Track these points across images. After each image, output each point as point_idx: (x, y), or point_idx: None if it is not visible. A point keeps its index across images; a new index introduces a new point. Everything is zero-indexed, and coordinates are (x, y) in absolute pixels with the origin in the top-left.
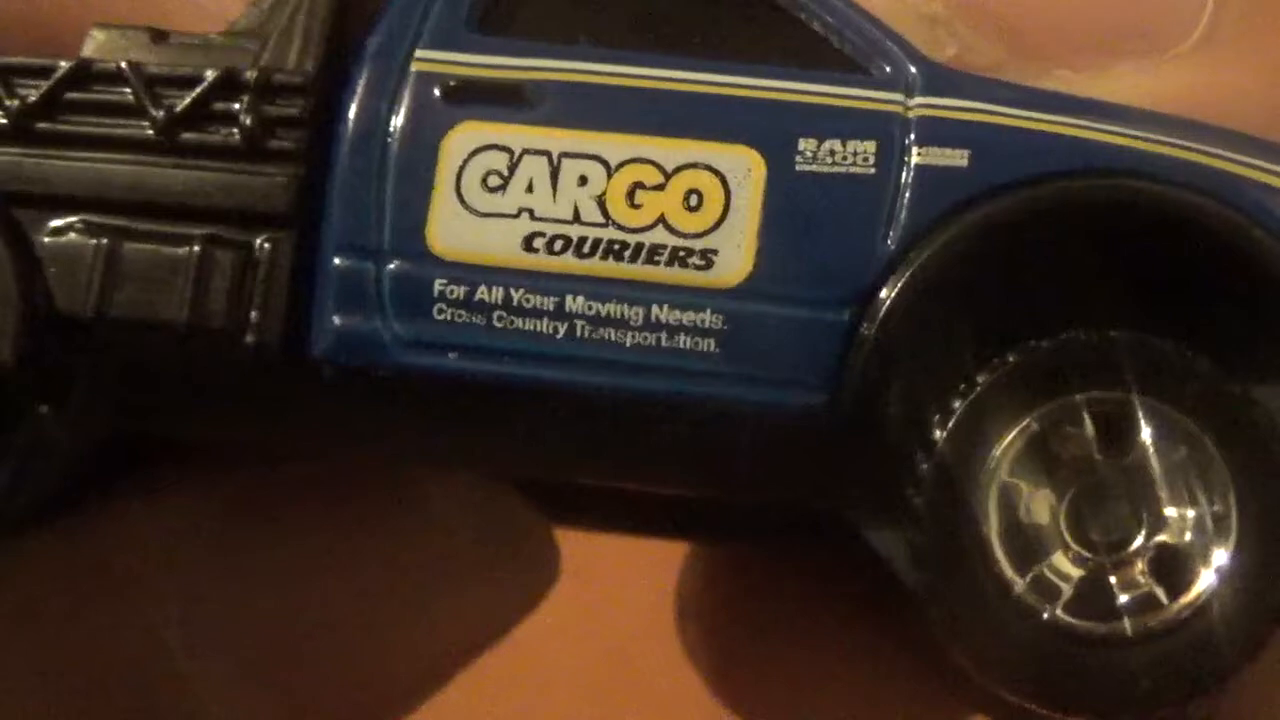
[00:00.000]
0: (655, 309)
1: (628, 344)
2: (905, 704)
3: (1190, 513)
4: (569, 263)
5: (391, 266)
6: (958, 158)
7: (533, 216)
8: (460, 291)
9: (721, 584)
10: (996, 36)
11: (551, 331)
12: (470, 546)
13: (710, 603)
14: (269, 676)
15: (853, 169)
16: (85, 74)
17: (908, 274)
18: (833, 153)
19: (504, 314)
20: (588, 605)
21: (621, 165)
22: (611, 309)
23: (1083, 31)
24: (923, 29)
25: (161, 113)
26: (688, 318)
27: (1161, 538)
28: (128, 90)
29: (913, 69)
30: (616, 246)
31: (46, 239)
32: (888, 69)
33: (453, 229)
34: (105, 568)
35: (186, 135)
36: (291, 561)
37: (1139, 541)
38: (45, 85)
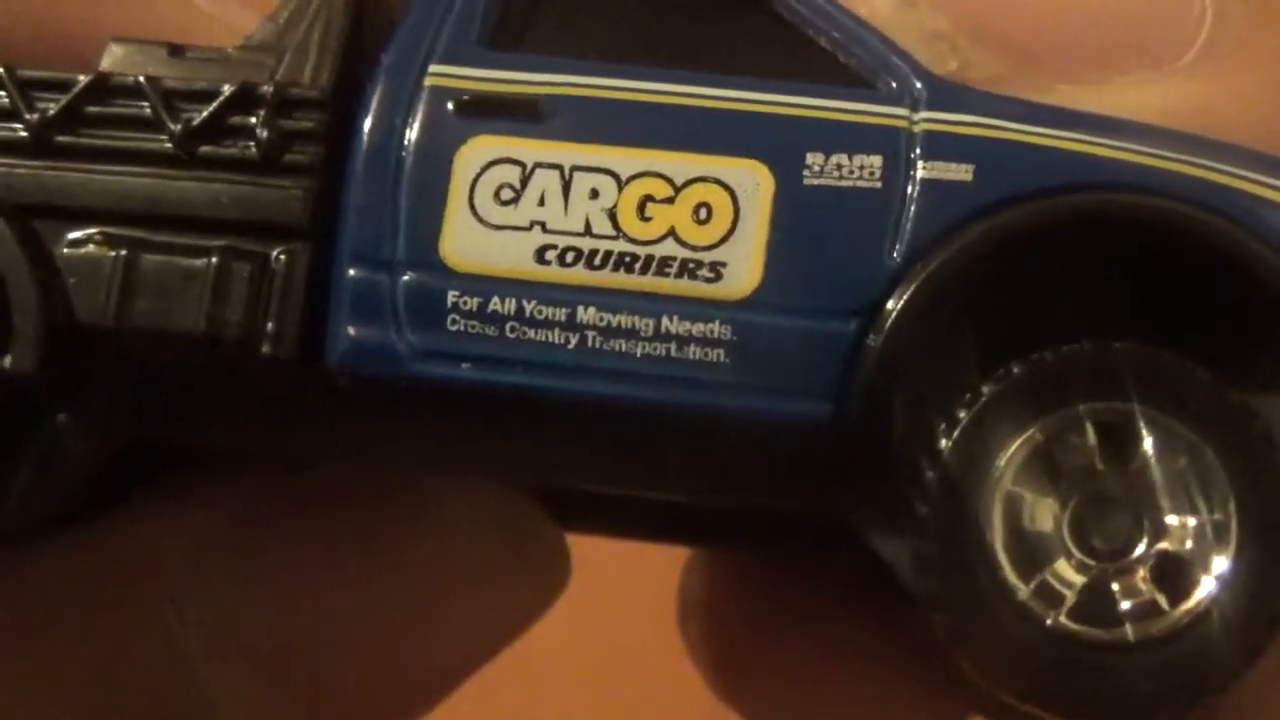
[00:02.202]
0: (665, 320)
1: (638, 354)
2: (907, 708)
3: (1191, 521)
4: (580, 274)
5: (406, 278)
6: (962, 172)
7: (544, 229)
8: (473, 303)
9: (724, 587)
10: (998, 52)
11: (563, 342)
12: (483, 550)
13: (712, 605)
14: (285, 681)
15: (859, 183)
16: (104, 88)
17: (913, 286)
18: (839, 166)
19: (516, 325)
20: (590, 607)
21: (632, 179)
22: (622, 320)
23: (1083, 46)
24: (926, 44)
25: (179, 126)
26: (697, 329)
27: (1163, 545)
28: (145, 104)
29: (918, 84)
30: (627, 258)
31: (66, 250)
32: (893, 84)
33: (466, 241)
34: (121, 573)
35: (204, 149)
36: (307, 567)
37: (1141, 549)
38: (64, 99)
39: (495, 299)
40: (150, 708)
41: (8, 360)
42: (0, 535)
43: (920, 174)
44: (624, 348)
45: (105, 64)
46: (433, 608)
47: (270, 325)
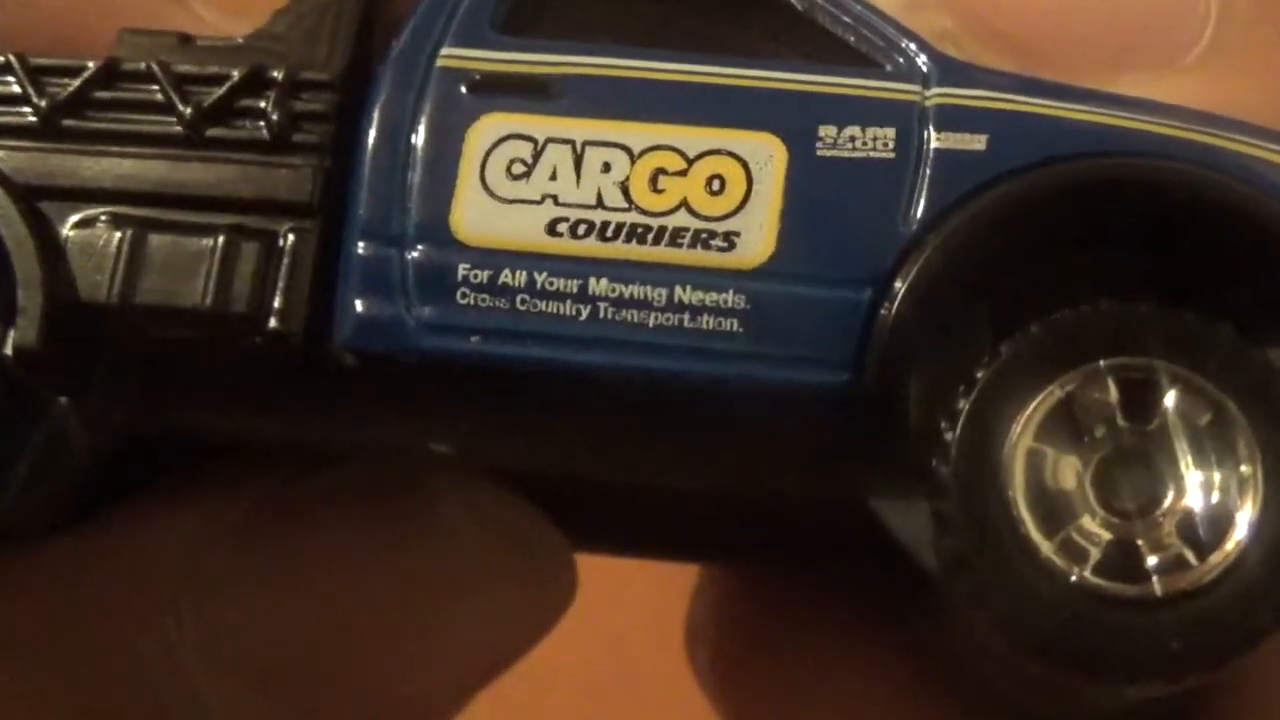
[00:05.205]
0: (678, 290)
1: (651, 325)
2: None
3: (1216, 475)
4: (592, 246)
5: (415, 253)
6: (976, 142)
7: (556, 202)
8: (484, 276)
9: (725, 589)
10: (1004, 52)
11: (575, 314)
12: (488, 559)
13: (713, 623)
14: (282, 691)
15: (873, 153)
16: (114, 73)
17: (928, 252)
18: (853, 139)
19: (527, 297)
20: (591, 608)
21: (644, 152)
22: (634, 290)
23: (1089, 46)
24: (932, 43)
25: (189, 109)
26: (710, 298)
27: (1188, 500)
28: (156, 88)
29: (929, 63)
30: (639, 230)
31: (72, 231)
32: (903, 63)
33: (477, 215)
34: (118, 579)
35: (213, 130)
36: (306, 574)
37: (1166, 504)
38: (74, 83)
39: (506, 271)
40: (143, 713)
41: (12, 336)
42: None
43: (934, 144)
44: (636, 318)
45: (116, 53)
46: (437, 618)
47: (277, 301)
